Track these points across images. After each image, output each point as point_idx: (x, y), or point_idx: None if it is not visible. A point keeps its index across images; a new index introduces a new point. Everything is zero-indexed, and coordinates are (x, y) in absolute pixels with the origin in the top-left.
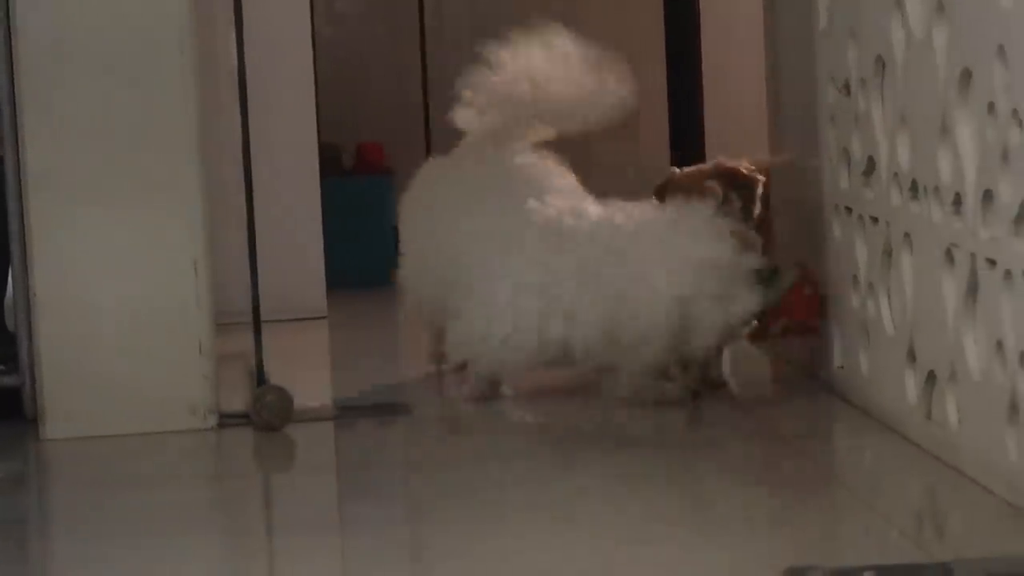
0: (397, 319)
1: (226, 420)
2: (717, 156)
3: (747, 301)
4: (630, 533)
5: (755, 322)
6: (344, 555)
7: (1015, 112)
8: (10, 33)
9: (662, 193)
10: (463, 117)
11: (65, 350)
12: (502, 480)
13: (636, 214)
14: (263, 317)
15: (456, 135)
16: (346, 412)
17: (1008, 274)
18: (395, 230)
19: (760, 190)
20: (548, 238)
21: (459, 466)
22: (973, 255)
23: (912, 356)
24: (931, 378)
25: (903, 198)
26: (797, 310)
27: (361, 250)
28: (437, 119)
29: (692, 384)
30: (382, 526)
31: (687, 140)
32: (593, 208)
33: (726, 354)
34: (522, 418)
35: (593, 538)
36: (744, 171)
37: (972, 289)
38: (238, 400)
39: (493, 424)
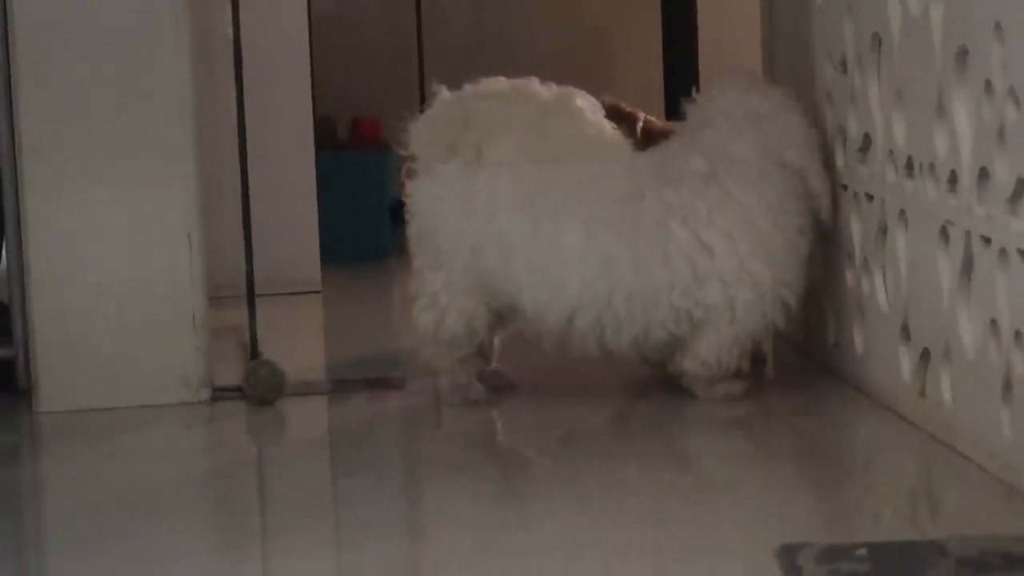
0: (391, 294)
1: (219, 393)
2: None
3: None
4: (625, 510)
5: None
6: (337, 528)
7: (1011, 90)
8: (6, 9)
9: None
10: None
11: (59, 322)
12: (497, 454)
13: None
14: (257, 291)
15: None
16: (339, 386)
17: (1003, 252)
18: (391, 204)
19: (640, 125)
20: None
21: (452, 440)
22: (968, 233)
23: (906, 334)
24: (925, 356)
25: (898, 175)
26: None
27: (356, 224)
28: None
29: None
30: (375, 500)
31: (683, 117)
32: None
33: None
34: (520, 396)
35: (587, 514)
36: (624, 107)
37: (967, 267)
38: (231, 374)
39: (488, 399)
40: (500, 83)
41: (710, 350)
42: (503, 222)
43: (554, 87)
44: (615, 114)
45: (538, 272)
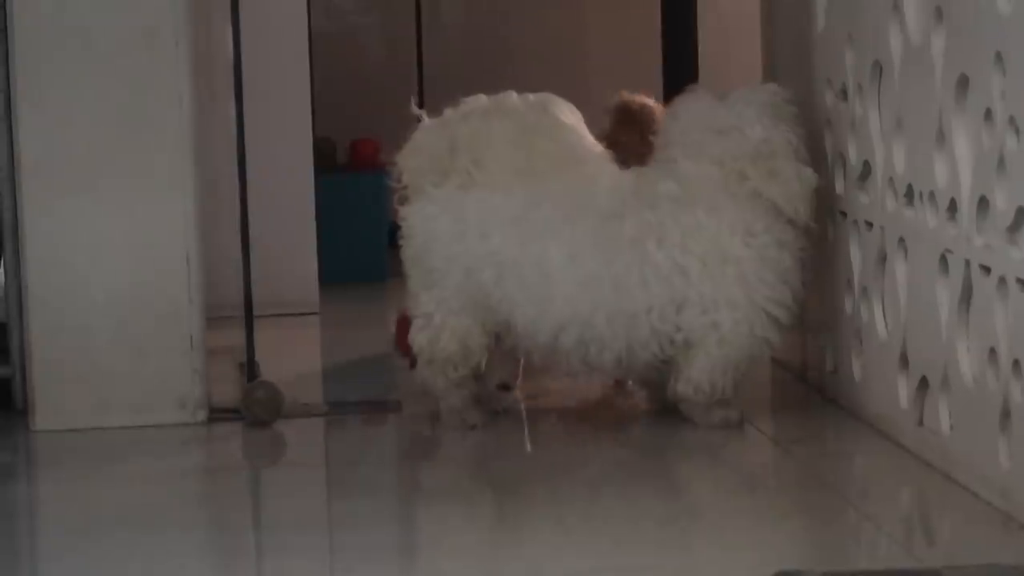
0: (390, 315)
1: (216, 414)
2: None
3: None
4: (624, 535)
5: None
6: (331, 551)
7: (1012, 119)
8: (6, 23)
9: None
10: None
11: (56, 342)
12: (493, 476)
13: None
14: (255, 312)
15: None
16: (336, 408)
17: (1002, 281)
18: (390, 226)
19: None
20: None
21: (447, 464)
22: (967, 262)
23: (905, 361)
24: (923, 384)
25: (898, 203)
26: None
27: (354, 245)
28: (432, 115)
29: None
30: (370, 523)
31: None
32: None
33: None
34: (515, 419)
35: (587, 538)
36: (635, 103)
37: (966, 296)
38: (229, 395)
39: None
40: (480, 101)
41: (702, 373)
42: (494, 242)
43: (531, 97)
44: (626, 116)
45: (526, 290)
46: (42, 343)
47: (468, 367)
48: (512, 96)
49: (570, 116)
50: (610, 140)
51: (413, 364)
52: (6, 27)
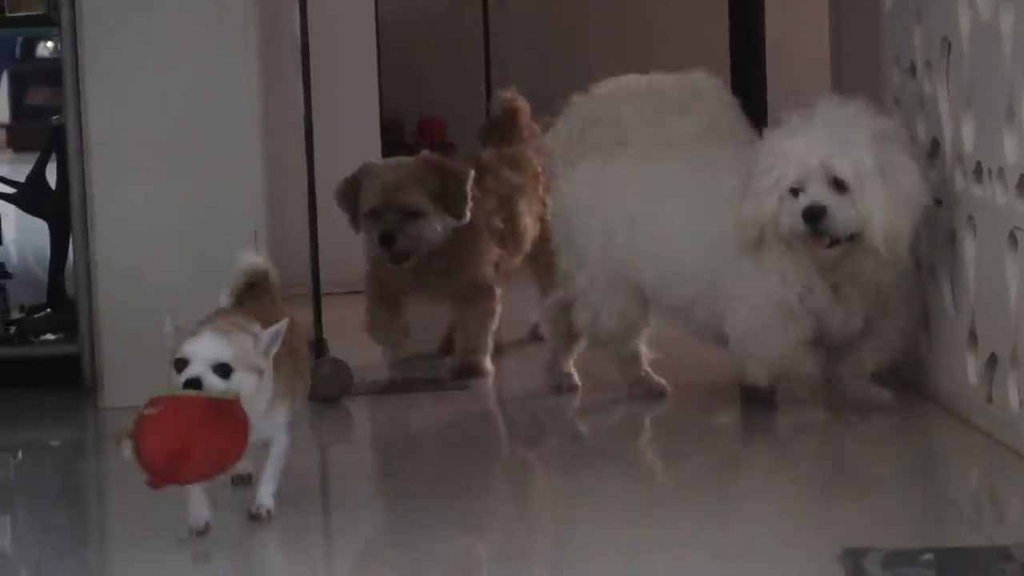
0: None
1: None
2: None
3: None
4: (696, 511)
5: None
6: (395, 528)
7: None
8: (74, 3)
9: None
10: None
11: (124, 319)
12: (554, 457)
13: None
14: (323, 289)
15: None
16: (403, 386)
17: None
18: None
19: (470, 183)
20: None
21: (511, 442)
22: None
23: (974, 339)
24: (992, 361)
25: (967, 181)
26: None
27: None
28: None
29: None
30: (434, 499)
31: (751, 122)
32: None
33: None
34: (582, 402)
35: (653, 514)
36: (453, 166)
37: None
38: None
39: (545, 401)
40: (627, 80)
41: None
42: (630, 211)
43: (679, 77)
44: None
45: (657, 257)
46: (110, 320)
47: (633, 339)
48: (657, 75)
49: (713, 93)
50: None
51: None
52: (74, 5)
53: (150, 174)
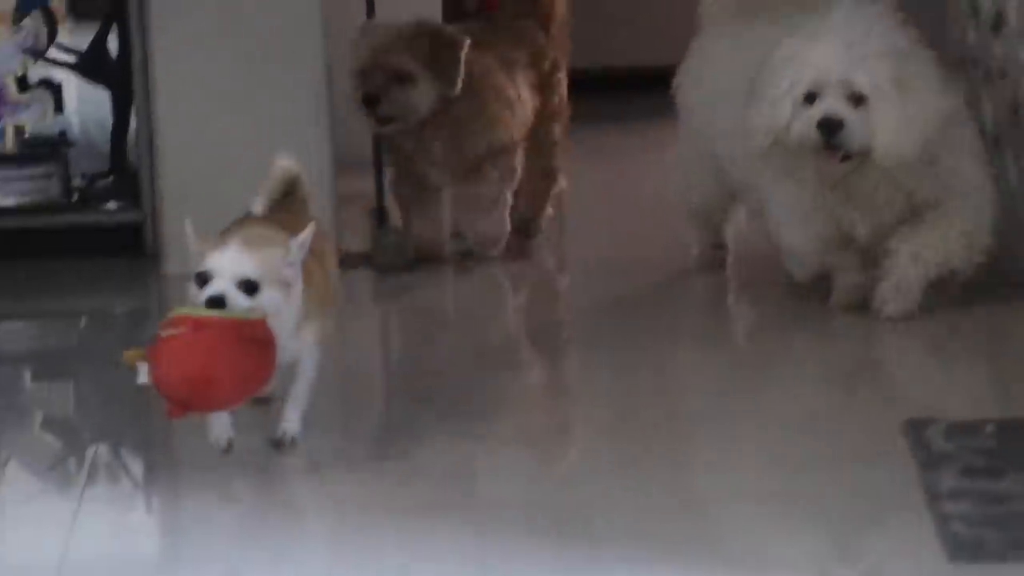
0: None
1: (346, 261)
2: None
3: None
4: (761, 381)
5: None
6: (454, 400)
7: None
8: None
9: None
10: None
11: (186, 186)
12: (617, 329)
13: None
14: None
15: None
16: (465, 255)
17: None
18: None
19: (464, 52)
20: None
21: (581, 312)
22: None
23: None
24: None
25: None
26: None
27: None
28: None
29: None
30: (495, 372)
31: None
32: None
33: None
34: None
35: (734, 385)
36: (448, 31)
37: None
38: (359, 241)
39: (609, 271)
40: None
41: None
42: (725, 86)
43: None
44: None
45: (731, 135)
46: (172, 188)
47: (716, 214)
48: None
49: None
50: None
51: None
52: None
53: (212, 39)
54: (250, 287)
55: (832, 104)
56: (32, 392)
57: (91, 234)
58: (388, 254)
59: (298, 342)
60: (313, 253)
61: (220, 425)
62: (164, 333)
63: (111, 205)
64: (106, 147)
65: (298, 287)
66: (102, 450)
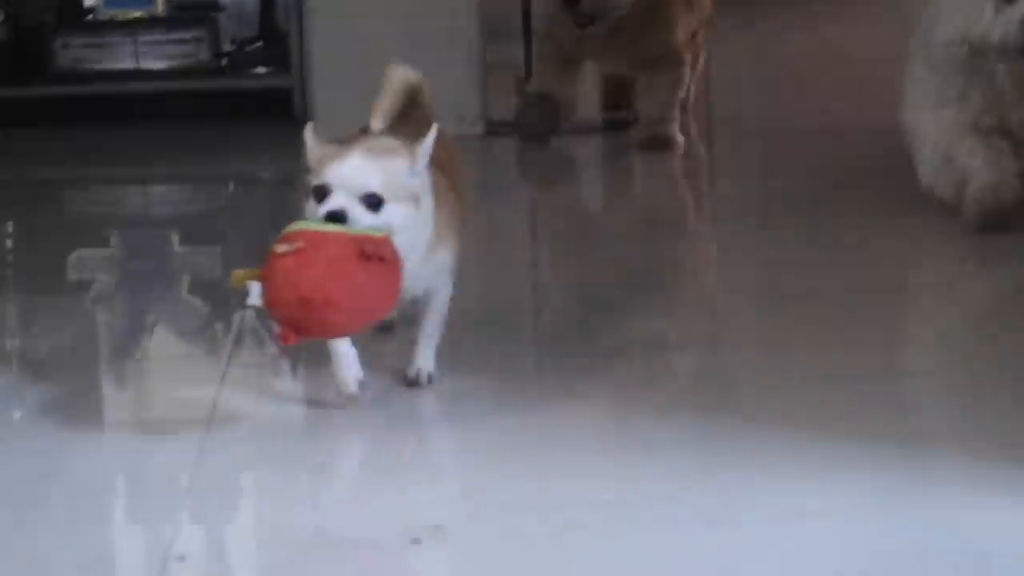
0: None
1: (493, 128)
2: None
3: None
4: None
5: None
6: (593, 277)
7: None
8: None
9: None
10: None
11: (335, 52)
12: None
13: None
14: (534, 27)
15: None
16: (612, 125)
17: None
18: None
19: None
20: None
21: (723, 199)
22: None
23: None
24: None
25: None
26: None
27: None
28: None
29: None
30: (639, 240)
31: None
32: None
33: None
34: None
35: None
36: None
37: None
38: (507, 109)
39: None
40: None
41: None
42: None
43: None
44: None
45: None
46: (321, 54)
47: None
48: None
49: None
50: None
51: None
52: None
53: None
54: (374, 201)
55: None
56: (180, 255)
57: (240, 98)
58: (534, 120)
59: (430, 268)
60: (438, 164)
61: (346, 367)
62: (279, 249)
63: (260, 70)
64: (256, 12)
65: (427, 202)
66: (248, 315)
